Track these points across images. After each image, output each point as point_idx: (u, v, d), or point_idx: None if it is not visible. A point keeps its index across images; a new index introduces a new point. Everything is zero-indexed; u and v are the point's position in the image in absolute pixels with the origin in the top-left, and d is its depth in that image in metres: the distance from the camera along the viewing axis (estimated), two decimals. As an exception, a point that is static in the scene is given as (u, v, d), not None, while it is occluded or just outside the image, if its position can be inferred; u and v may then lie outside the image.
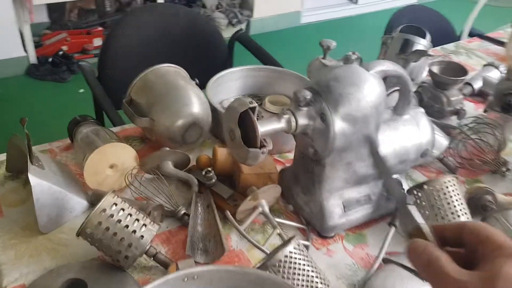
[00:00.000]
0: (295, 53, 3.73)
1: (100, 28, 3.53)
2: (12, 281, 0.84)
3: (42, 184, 0.90)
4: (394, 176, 1.00)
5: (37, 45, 3.29)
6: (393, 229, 0.89)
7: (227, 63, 1.86)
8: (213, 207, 0.98)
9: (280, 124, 0.83)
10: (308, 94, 0.82)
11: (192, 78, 1.20)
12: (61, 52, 3.27)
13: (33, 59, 3.22)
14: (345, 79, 0.83)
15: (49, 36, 3.37)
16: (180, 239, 0.94)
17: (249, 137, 0.80)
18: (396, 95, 1.13)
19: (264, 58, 1.77)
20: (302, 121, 0.84)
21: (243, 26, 4.01)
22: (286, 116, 0.83)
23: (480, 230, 0.42)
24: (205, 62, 1.82)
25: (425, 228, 0.45)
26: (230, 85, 1.33)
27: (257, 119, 0.79)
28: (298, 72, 1.33)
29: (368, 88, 0.83)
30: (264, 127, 0.81)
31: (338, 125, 0.82)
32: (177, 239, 0.94)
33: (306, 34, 4.26)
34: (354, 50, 1.21)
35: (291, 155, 1.18)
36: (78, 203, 0.97)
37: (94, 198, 0.99)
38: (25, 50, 3.18)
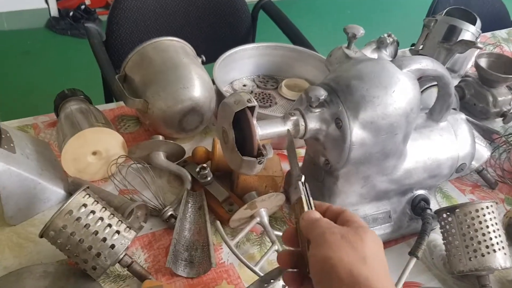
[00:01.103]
0: (328, 27, 3.51)
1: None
2: (-34, 280, 0.73)
3: (10, 170, 0.78)
4: (421, 191, 0.84)
5: (59, -3, 3.16)
6: (414, 260, 0.74)
7: (249, 36, 1.68)
8: (205, 210, 0.85)
9: (284, 127, 0.68)
10: (322, 94, 0.66)
11: (199, 54, 1.04)
12: (83, 6, 3.13)
13: (54, 11, 3.10)
14: (371, 78, 0.67)
15: (72, -12, 3.23)
16: (163, 244, 0.82)
17: (246, 141, 0.65)
18: (432, 93, 0.96)
19: (291, 32, 1.59)
20: (313, 124, 0.68)
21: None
22: (293, 118, 0.68)
23: (352, 215, 0.51)
24: (225, 33, 1.65)
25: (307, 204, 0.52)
26: (243, 63, 1.17)
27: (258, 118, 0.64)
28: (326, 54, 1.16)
29: (398, 92, 0.67)
30: (264, 130, 0.66)
31: (357, 133, 0.67)
32: (160, 245, 0.82)
33: (342, 4, 4.00)
34: (390, 31, 1.04)
35: (303, 152, 1.03)
36: (54, 192, 0.85)
37: (72, 188, 0.87)
38: (46, 2, 3.06)
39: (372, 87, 0.66)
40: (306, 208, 0.51)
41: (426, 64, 0.71)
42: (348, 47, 0.76)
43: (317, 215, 0.50)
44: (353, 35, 0.74)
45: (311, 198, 0.52)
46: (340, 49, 0.75)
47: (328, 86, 0.69)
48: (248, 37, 1.71)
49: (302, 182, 0.52)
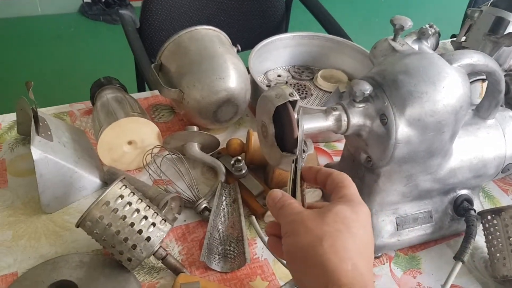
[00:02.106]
0: (360, 16, 3.44)
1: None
2: (5, 267, 0.74)
3: (47, 158, 0.78)
4: (464, 191, 0.81)
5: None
6: (459, 265, 0.71)
7: (282, 25, 1.65)
8: (239, 203, 0.84)
9: (326, 122, 0.65)
10: (367, 88, 0.64)
11: (234, 43, 1.02)
12: (116, -9, 3.14)
13: (87, -4, 3.13)
14: (419, 72, 0.64)
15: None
16: (197, 237, 0.81)
17: (286, 136, 0.63)
18: (477, 88, 0.92)
19: (326, 22, 1.55)
20: (356, 120, 0.66)
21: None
22: (336, 113, 0.65)
23: (340, 180, 0.49)
24: (257, 21, 1.62)
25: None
26: (278, 53, 1.15)
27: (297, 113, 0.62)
28: (363, 46, 1.12)
29: (448, 88, 0.63)
30: (305, 125, 0.64)
31: (403, 130, 0.64)
32: (194, 237, 0.81)
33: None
34: (431, 22, 1.00)
35: (340, 146, 1.01)
36: (90, 181, 0.85)
37: (108, 177, 0.86)
38: (79, -13, 3.09)
39: (420, 82, 0.63)
40: (288, 186, 0.51)
41: (477, 58, 0.67)
42: (394, 39, 0.72)
43: (279, 193, 0.49)
44: (400, 26, 0.70)
45: (298, 173, 0.51)
46: (386, 41, 0.72)
47: (373, 80, 0.66)
48: (281, 26, 1.68)
49: (293, 160, 0.52)
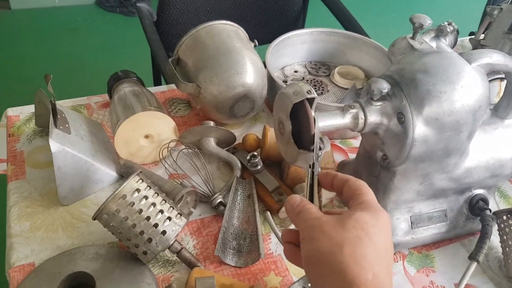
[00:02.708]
0: (375, 12, 3.41)
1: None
2: (22, 258, 0.75)
3: (65, 151, 0.79)
4: (479, 191, 0.80)
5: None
6: (474, 265, 0.71)
7: (299, 20, 1.65)
8: (254, 198, 0.84)
9: (343, 120, 0.65)
10: (385, 87, 0.63)
11: (251, 38, 1.02)
12: (133, -17, 3.15)
13: (104, -12, 3.14)
14: (438, 71, 0.63)
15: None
16: (212, 231, 0.81)
17: (303, 134, 0.63)
18: (494, 87, 0.91)
19: (344, 18, 1.54)
20: (373, 118, 0.66)
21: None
22: (353, 111, 0.65)
23: (357, 187, 0.48)
24: (274, 16, 1.62)
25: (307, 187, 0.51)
26: (295, 49, 1.14)
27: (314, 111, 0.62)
28: (380, 42, 1.11)
29: (467, 87, 0.63)
30: (322, 122, 0.64)
31: (420, 129, 0.64)
32: (209, 232, 0.81)
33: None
34: (449, 19, 0.99)
35: (356, 143, 1.01)
36: (106, 174, 0.86)
37: (124, 170, 0.87)
38: (97, -22, 3.10)
39: (439, 81, 0.63)
40: (305, 192, 0.51)
41: (497, 58, 0.67)
42: (413, 37, 0.72)
43: (297, 198, 0.49)
44: (419, 25, 0.70)
45: (315, 178, 0.51)
46: (405, 39, 0.71)
47: (391, 79, 0.66)
48: (298, 21, 1.68)
49: (310, 165, 0.52)
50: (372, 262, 0.42)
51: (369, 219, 0.44)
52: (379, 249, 0.43)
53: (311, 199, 0.50)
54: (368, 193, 0.48)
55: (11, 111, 1.00)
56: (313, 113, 0.61)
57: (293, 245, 0.49)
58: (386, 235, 0.45)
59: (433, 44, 0.94)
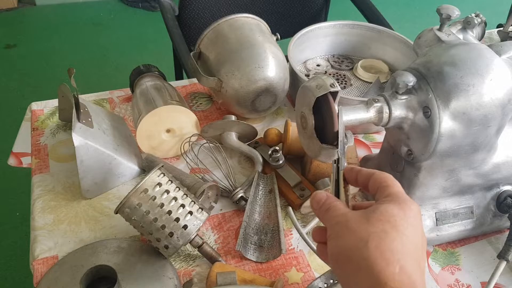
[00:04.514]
0: (408, 9, 3.35)
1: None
2: (46, 250, 0.76)
3: (88, 145, 0.79)
4: (508, 187, 0.78)
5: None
6: (504, 264, 0.69)
7: (322, 13, 1.63)
8: (276, 193, 0.83)
9: (368, 114, 0.64)
10: (411, 80, 0.62)
11: (274, 32, 1.01)
12: (155, -22, 3.16)
13: (126, -17, 3.16)
14: (466, 64, 0.61)
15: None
16: (233, 226, 0.81)
17: (325, 128, 0.62)
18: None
19: (368, 10, 1.52)
20: (398, 112, 0.64)
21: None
22: (377, 105, 0.64)
23: (382, 180, 0.46)
24: (296, 9, 1.60)
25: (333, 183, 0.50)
26: (318, 42, 1.13)
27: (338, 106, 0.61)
28: (404, 35, 1.09)
29: (496, 80, 0.61)
30: (346, 117, 0.63)
31: (447, 124, 0.62)
32: (230, 226, 0.81)
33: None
34: (477, 11, 0.96)
35: (380, 137, 0.99)
36: (128, 168, 0.86)
37: (146, 164, 0.88)
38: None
39: (467, 74, 0.61)
40: (330, 188, 0.50)
41: (528, 50, 0.64)
42: (440, 29, 0.70)
43: (323, 195, 0.48)
44: (447, 16, 0.68)
45: (341, 173, 0.49)
46: (431, 31, 0.70)
47: (417, 72, 0.64)
48: (320, 14, 1.66)
49: (335, 160, 0.50)
50: (398, 255, 0.40)
51: (396, 211, 0.43)
52: (406, 242, 0.41)
53: (337, 195, 0.49)
54: (395, 184, 0.46)
55: (35, 105, 1.01)
56: (336, 107, 0.60)
57: (324, 244, 0.47)
58: (416, 227, 0.43)
59: (460, 37, 0.91)
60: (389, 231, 0.41)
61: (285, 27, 1.62)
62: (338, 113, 0.59)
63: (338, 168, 0.50)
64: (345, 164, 0.50)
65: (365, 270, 0.41)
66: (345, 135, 0.62)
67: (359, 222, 0.43)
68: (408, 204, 0.44)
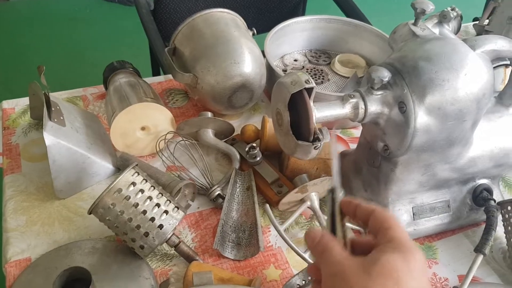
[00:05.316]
0: (385, 3, 3.36)
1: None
2: (18, 252, 0.74)
3: (60, 144, 0.77)
4: (483, 181, 0.78)
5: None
6: (481, 258, 0.69)
7: (299, 7, 1.62)
8: (253, 190, 0.82)
9: (343, 110, 0.64)
10: (386, 75, 0.62)
11: (250, 27, 1.00)
12: (131, -27, 3.11)
13: (102, -23, 3.11)
14: (440, 59, 0.61)
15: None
16: (210, 224, 0.80)
17: (301, 124, 0.62)
18: (499, 74, 0.89)
19: (345, 4, 1.51)
20: (374, 108, 0.64)
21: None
22: (352, 101, 0.64)
23: (384, 221, 0.43)
24: (273, 3, 1.59)
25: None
26: (295, 37, 1.12)
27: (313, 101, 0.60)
28: (382, 29, 1.09)
29: (471, 75, 0.61)
30: (321, 113, 0.62)
31: (422, 119, 0.62)
32: (207, 225, 0.80)
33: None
34: (453, 4, 0.97)
35: (357, 133, 0.99)
36: (102, 167, 0.84)
37: (120, 163, 0.86)
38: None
39: (442, 69, 0.61)
40: (326, 222, 0.45)
41: (502, 44, 0.65)
42: (415, 23, 0.70)
43: (317, 234, 0.43)
44: (421, 10, 0.68)
45: (336, 206, 0.45)
46: (406, 26, 0.69)
47: (392, 67, 0.64)
48: (298, 9, 1.65)
49: (330, 190, 0.46)
50: None
51: (400, 264, 0.39)
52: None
53: (333, 229, 0.44)
54: (397, 227, 0.42)
55: (6, 104, 0.99)
56: (312, 104, 0.60)
57: (319, 282, 0.43)
58: (420, 281, 0.39)
59: (436, 31, 0.91)
60: (402, 280, 0.38)
61: (262, 22, 1.60)
62: (329, 142, 0.58)
63: (333, 200, 0.45)
64: (341, 195, 0.46)
65: None
66: (320, 131, 0.62)
67: (357, 275, 0.39)
68: (413, 254, 0.40)
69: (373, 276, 0.38)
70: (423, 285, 0.39)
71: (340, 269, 0.40)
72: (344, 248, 0.42)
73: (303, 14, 1.69)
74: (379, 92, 0.63)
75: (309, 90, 0.60)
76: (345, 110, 0.64)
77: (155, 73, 1.60)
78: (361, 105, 0.64)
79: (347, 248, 0.43)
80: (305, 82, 0.59)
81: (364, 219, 0.44)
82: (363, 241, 0.43)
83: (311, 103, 0.60)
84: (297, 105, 0.61)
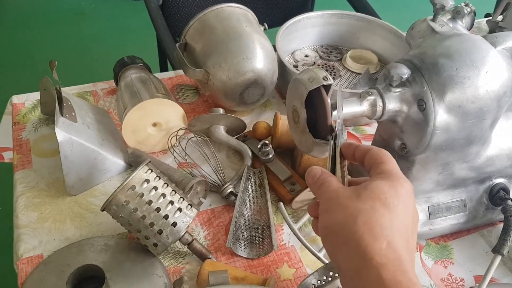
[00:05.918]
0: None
1: None
2: (30, 249, 0.73)
3: (72, 140, 0.77)
4: (500, 180, 0.77)
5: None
6: (499, 258, 0.68)
7: (308, 2, 1.61)
8: (266, 188, 0.82)
9: (361, 108, 0.63)
10: (405, 72, 0.60)
11: (260, 21, 0.99)
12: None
13: (108, -29, 3.09)
14: (461, 56, 0.60)
15: None
16: (223, 222, 0.79)
17: (318, 122, 0.61)
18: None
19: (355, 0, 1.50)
20: (392, 105, 0.63)
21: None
22: (370, 98, 0.62)
23: (378, 156, 0.46)
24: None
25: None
26: (306, 33, 1.11)
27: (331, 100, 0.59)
28: (392, 24, 1.08)
29: (492, 72, 0.60)
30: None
31: (441, 117, 0.61)
32: (220, 222, 0.79)
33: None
34: (466, 0, 0.95)
35: (370, 130, 0.98)
36: (114, 163, 0.84)
37: (132, 159, 0.85)
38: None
39: (463, 66, 0.59)
40: (328, 162, 0.50)
41: (523, 41, 0.63)
42: (434, 19, 0.68)
43: (318, 170, 0.48)
44: (441, 6, 0.66)
45: (337, 149, 0.50)
46: (425, 22, 0.68)
47: (411, 64, 0.62)
48: (307, 3, 1.64)
49: (332, 136, 0.52)
50: (386, 231, 0.41)
51: (387, 188, 0.43)
52: (395, 219, 0.42)
53: (333, 171, 0.49)
54: (389, 161, 0.46)
55: (16, 99, 0.98)
56: (329, 101, 0.59)
57: (318, 219, 0.48)
58: (407, 205, 0.43)
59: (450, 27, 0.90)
60: (378, 208, 0.42)
61: (271, 17, 1.59)
62: (333, 102, 0.58)
63: (335, 144, 0.50)
64: (342, 140, 0.51)
65: (352, 245, 0.41)
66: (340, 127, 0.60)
67: (349, 198, 0.43)
68: (400, 182, 0.44)
69: (363, 198, 0.43)
70: (409, 208, 0.44)
71: (334, 195, 0.45)
72: (340, 183, 0.47)
73: (311, 8, 1.68)
74: (398, 90, 0.62)
75: (327, 87, 0.59)
76: (363, 107, 0.62)
77: (163, 68, 1.59)
78: (379, 103, 0.62)
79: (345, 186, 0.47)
80: (323, 79, 0.58)
81: (362, 159, 0.48)
82: (360, 181, 0.47)
83: (329, 101, 0.59)
84: (314, 103, 0.60)
